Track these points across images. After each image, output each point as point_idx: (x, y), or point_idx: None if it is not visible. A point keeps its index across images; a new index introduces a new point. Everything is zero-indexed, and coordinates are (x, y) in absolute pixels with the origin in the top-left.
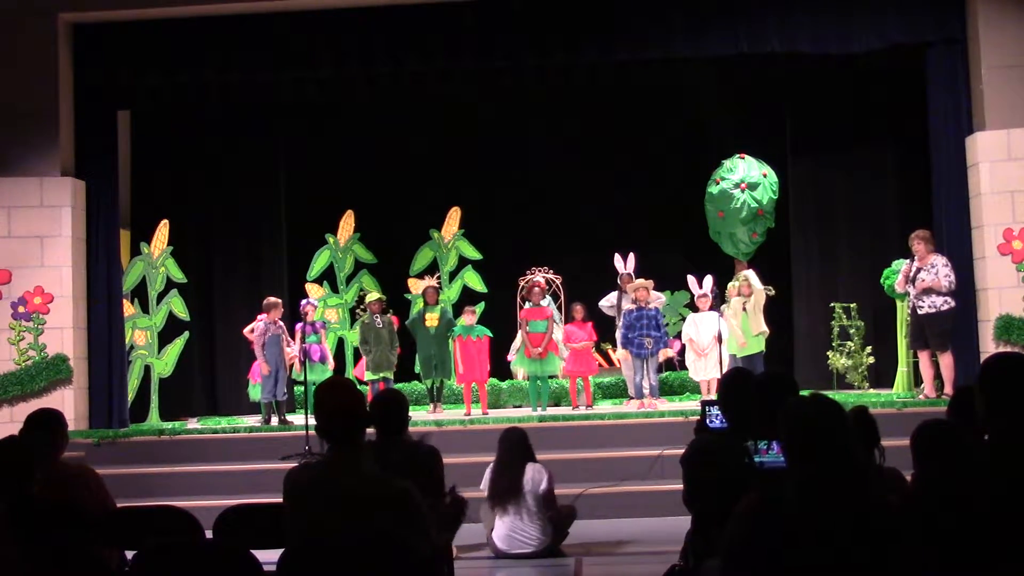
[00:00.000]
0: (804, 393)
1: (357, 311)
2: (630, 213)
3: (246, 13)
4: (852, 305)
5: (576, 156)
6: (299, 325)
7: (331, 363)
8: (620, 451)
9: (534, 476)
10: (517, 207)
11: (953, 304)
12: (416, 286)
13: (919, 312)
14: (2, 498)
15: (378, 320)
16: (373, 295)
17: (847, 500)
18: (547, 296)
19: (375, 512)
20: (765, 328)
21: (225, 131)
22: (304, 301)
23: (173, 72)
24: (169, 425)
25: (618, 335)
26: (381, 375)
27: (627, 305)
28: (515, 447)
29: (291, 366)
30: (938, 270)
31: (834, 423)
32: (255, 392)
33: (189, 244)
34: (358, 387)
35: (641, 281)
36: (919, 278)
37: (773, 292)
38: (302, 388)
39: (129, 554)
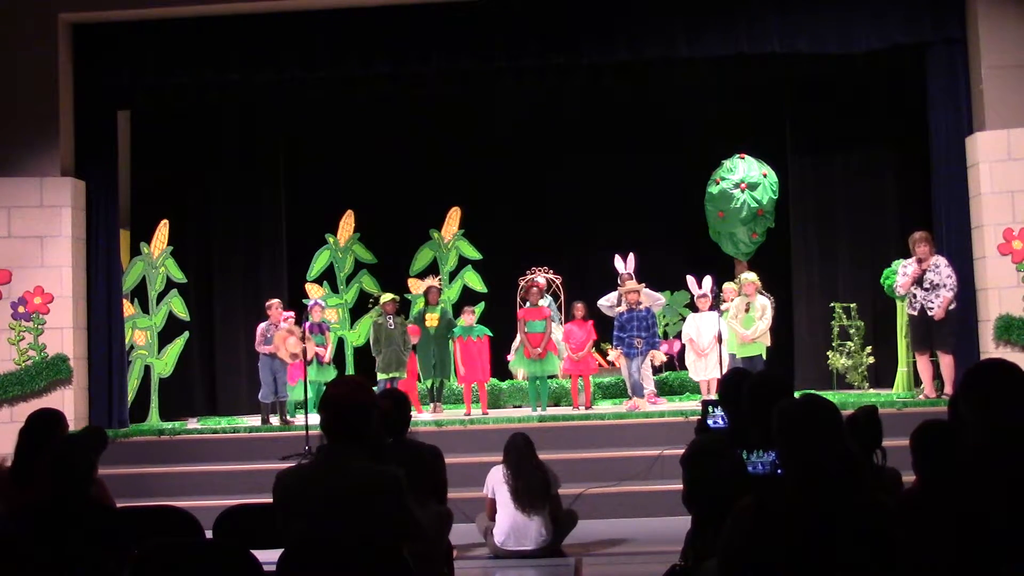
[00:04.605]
0: (798, 394)
1: (369, 301)
2: (630, 213)
3: (246, 13)
4: (852, 305)
5: (576, 156)
6: (306, 324)
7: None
8: (620, 451)
9: (551, 474)
10: (517, 207)
11: (956, 304)
12: (416, 286)
13: (928, 313)
14: (62, 497)
15: (390, 321)
16: (387, 296)
17: (841, 500)
18: (546, 296)
19: (369, 503)
20: (768, 340)
21: (225, 131)
22: (311, 301)
23: (173, 72)
24: (169, 425)
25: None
26: (391, 375)
27: (620, 307)
28: (527, 451)
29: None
30: (941, 271)
31: (827, 423)
32: (297, 392)
33: (189, 244)
34: (369, 387)
35: (631, 284)
36: (927, 280)
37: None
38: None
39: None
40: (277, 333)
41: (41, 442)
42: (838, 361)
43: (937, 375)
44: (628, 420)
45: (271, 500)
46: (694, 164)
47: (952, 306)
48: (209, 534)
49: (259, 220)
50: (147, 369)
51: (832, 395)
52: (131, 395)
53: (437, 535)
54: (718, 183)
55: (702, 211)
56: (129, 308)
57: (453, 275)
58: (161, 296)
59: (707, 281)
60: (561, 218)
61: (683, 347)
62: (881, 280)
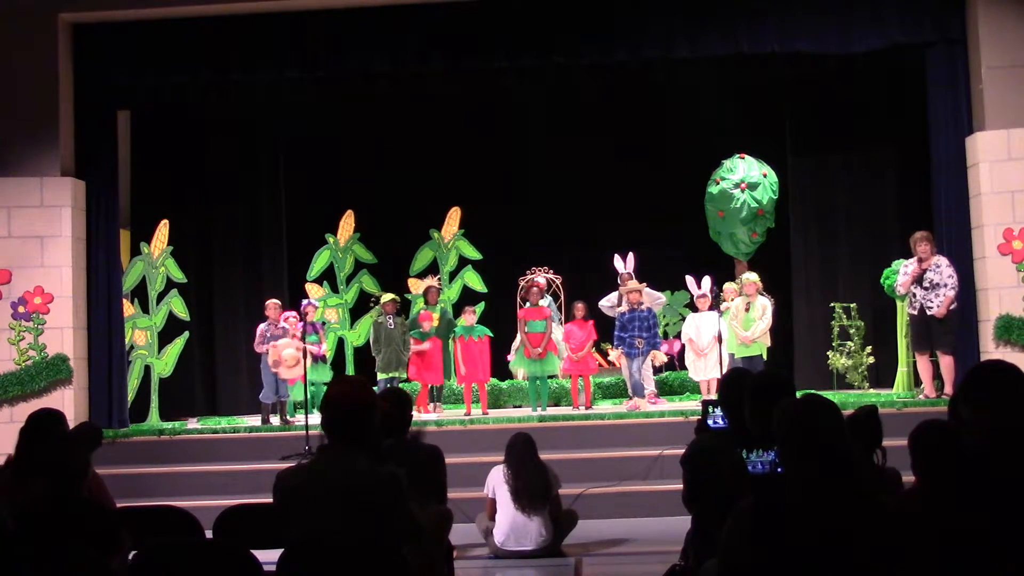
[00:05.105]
0: (798, 394)
1: (371, 301)
2: (630, 213)
3: (246, 13)
4: (852, 305)
5: (576, 156)
6: (299, 324)
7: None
8: (620, 451)
9: (552, 474)
10: (517, 207)
11: (957, 304)
12: (416, 286)
13: (928, 312)
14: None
15: (390, 321)
16: (387, 296)
17: (841, 500)
18: (546, 296)
19: (369, 503)
20: (768, 340)
21: (225, 131)
22: (305, 301)
23: (173, 72)
24: (169, 425)
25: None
26: (391, 375)
27: (622, 307)
28: (527, 451)
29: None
30: (942, 270)
31: (829, 423)
32: (297, 392)
33: (189, 244)
34: (370, 386)
35: (633, 284)
36: (927, 278)
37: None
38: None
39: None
40: (272, 349)
41: (41, 441)
42: (838, 361)
43: (937, 375)
44: (628, 420)
45: (271, 500)
46: (694, 164)
47: (953, 305)
48: (209, 534)
49: (259, 220)
50: (147, 369)
51: (832, 395)
52: (131, 395)
53: (437, 535)
54: (718, 183)
55: (702, 211)
56: (129, 308)
57: (453, 275)
58: (161, 296)
59: (706, 281)
60: (561, 218)
61: (683, 347)
62: (881, 280)
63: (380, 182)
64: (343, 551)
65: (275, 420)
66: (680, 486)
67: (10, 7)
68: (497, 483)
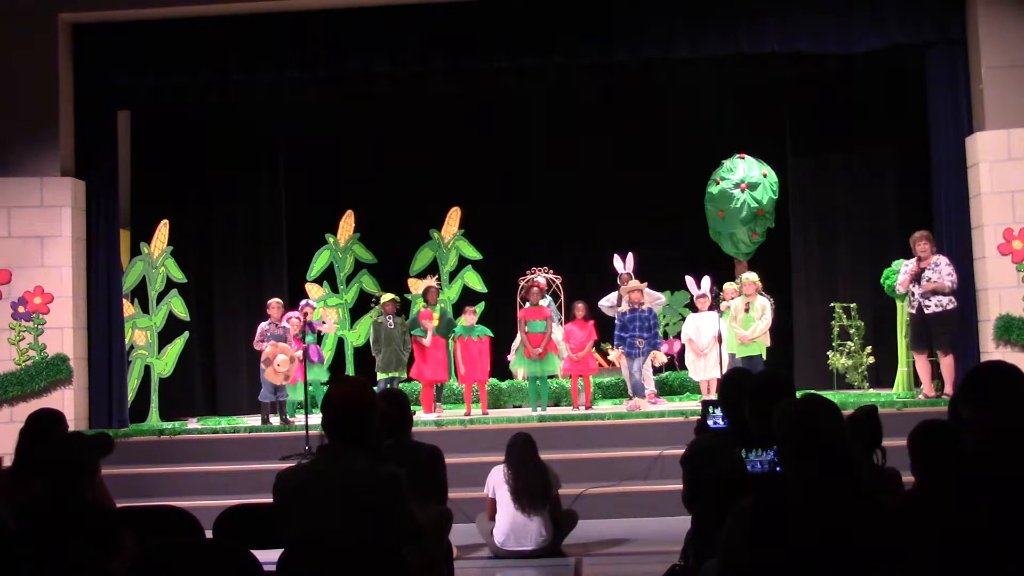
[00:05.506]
0: (799, 394)
1: (371, 301)
2: (630, 213)
3: (246, 13)
4: (852, 305)
5: (576, 156)
6: (301, 326)
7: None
8: (620, 451)
9: (552, 474)
10: (517, 207)
11: (956, 304)
12: (416, 286)
13: (926, 312)
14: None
15: (390, 321)
16: (387, 296)
17: (841, 500)
18: (547, 296)
19: (369, 503)
20: (767, 340)
21: (225, 131)
22: (303, 302)
23: (173, 72)
24: (169, 425)
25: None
26: (391, 375)
27: (622, 306)
28: (527, 451)
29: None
30: (941, 269)
31: (829, 423)
32: (297, 392)
33: (189, 244)
34: (370, 386)
35: (635, 283)
36: (924, 278)
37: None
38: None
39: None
40: (272, 346)
41: (41, 441)
42: (838, 361)
43: (937, 375)
44: (628, 420)
45: (271, 500)
46: (694, 164)
47: (952, 306)
48: (209, 534)
49: (259, 220)
50: (147, 369)
51: (832, 395)
52: (131, 395)
53: (437, 535)
54: (718, 183)
55: (702, 211)
56: (129, 308)
57: (453, 275)
58: (161, 296)
59: (706, 281)
60: (561, 218)
61: (683, 347)
62: (881, 280)
63: (380, 182)
64: (343, 551)
65: (275, 420)
66: (680, 486)
67: (10, 7)
68: (497, 483)
